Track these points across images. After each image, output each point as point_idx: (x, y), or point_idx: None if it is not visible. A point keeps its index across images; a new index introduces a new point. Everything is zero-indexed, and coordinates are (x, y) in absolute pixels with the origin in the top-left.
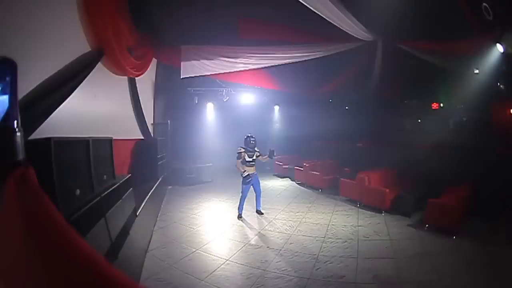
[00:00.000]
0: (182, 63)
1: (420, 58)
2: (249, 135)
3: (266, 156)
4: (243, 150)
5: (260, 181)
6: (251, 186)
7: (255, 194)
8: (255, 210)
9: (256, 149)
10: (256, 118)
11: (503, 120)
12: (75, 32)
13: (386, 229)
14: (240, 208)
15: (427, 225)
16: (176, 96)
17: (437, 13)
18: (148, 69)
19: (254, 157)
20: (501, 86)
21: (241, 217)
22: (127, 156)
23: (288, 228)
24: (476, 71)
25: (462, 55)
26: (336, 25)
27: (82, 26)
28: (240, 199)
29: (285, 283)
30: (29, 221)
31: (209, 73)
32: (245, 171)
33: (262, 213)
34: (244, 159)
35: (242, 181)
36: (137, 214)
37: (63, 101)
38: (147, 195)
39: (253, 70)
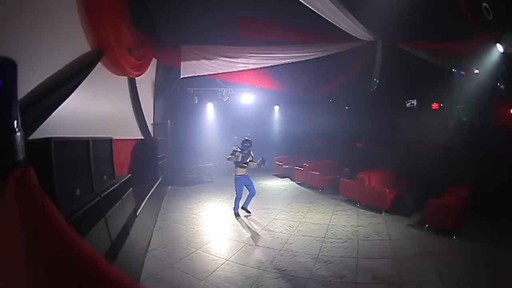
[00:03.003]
0: (182, 63)
1: (420, 58)
2: (246, 138)
3: (256, 163)
4: (239, 150)
5: (260, 181)
6: (245, 187)
7: (248, 193)
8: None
9: (251, 153)
10: (256, 118)
11: (503, 120)
12: (75, 32)
13: (386, 229)
14: (235, 208)
15: (427, 225)
16: (176, 96)
17: (437, 13)
18: (148, 69)
19: (247, 161)
20: (501, 86)
21: (239, 216)
22: (127, 156)
23: (288, 228)
24: (476, 71)
25: (462, 55)
26: (336, 25)
27: (82, 26)
28: (235, 200)
29: (285, 283)
30: (29, 221)
31: (209, 73)
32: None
33: (249, 212)
34: (237, 159)
35: (235, 182)
36: (137, 214)
37: (63, 101)
38: (147, 195)
39: (253, 70)
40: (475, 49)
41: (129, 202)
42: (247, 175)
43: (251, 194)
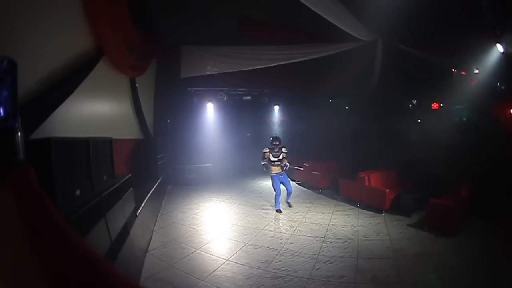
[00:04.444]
0: (182, 63)
1: (420, 58)
2: (275, 136)
3: (284, 164)
4: (268, 150)
5: (260, 181)
6: (281, 184)
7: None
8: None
9: (283, 149)
10: (256, 118)
11: (503, 120)
12: (75, 32)
13: (386, 229)
14: (277, 205)
15: (427, 225)
16: (176, 96)
17: (437, 13)
18: (148, 69)
19: (280, 157)
20: (501, 86)
21: (280, 212)
22: (127, 156)
23: (288, 228)
24: (476, 71)
25: (462, 55)
26: (336, 25)
27: (82, 26)
28: (276, 197)
29: (285, 283)
30: (29, 221)
31: (209, 73)
32: (265, 164)
33: (291, 206)
34: (269, 159)
35: (272, 181)
36: (137, 214)
37: (63, 101)
38: (147, 195)
39: (253, 70)
40: (475, 49)
41: (129, 202)
42: (283, 173)
43: (288, 192)
